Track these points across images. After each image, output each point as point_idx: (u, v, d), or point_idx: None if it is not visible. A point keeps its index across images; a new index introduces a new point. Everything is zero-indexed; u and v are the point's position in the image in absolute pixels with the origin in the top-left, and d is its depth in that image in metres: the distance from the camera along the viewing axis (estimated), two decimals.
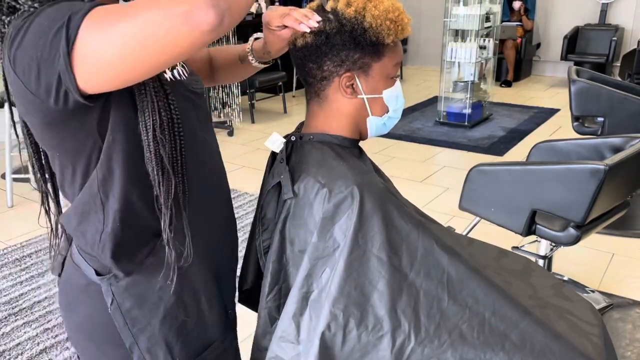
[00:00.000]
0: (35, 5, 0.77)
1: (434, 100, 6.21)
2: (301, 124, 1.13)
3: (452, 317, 0.91)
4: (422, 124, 5.51)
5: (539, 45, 7.68)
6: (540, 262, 2.30)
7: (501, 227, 2.08)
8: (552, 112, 5.87)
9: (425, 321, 0.90)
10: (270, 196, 1.05)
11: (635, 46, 5.92)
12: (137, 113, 0.82)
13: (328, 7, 1.02)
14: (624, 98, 3.02)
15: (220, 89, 5.35)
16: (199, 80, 1.01)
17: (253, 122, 5.64)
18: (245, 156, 4.62)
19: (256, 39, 1.14)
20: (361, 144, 1.13)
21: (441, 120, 5.49)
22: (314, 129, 1.07)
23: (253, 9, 6.02)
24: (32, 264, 2.90)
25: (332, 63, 0.99)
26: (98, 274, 0.93)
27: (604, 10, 7.01)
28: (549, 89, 7.08)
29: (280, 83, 5.84)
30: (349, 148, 1.07)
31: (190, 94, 0.95)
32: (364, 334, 0.90)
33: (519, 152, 4.60)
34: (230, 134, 5.22)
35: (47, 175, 0.98)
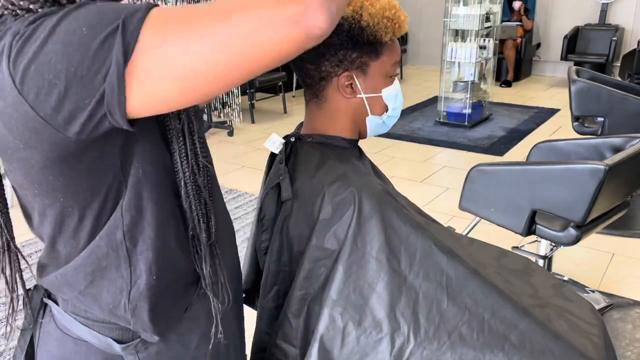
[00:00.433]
0: (37, 6, 0.61)
1: (434, 100, 6.21)
2: (300, 125, 1.13)
3: (452, 319, 0.91)
4: (422, 124, 5.50)
5: (539, 45, 7.67)
6: (540, 262, 2.30)
7: (501, 227, 2.08)
8: (552, 112, 5.87)
9: (424, 323, 0.90)
10: (270, 197, 1.05)
11: (635, 46, 5.92)
12: (166, 139, 0.71)
13: None
14: (624, 98, 3.02)
15: None
16: None
17: (253, 122, 5.64)
18: (245, 156, 4.62)
19: None
20: (361, 143, 1.12)
21: (441, 120, 5.49)
22: (313, 130, 1.07)
23: None
24: (32, 264, 2.89)
25: (330, 63, 0.99)
26: (119, 342, 0.76)
27: (604, 10, 7.01)
28: (549, 89, 7.08)
29: (280, 83, 5.84)
30: (349, 149, 1.07)
31: (197, 112, 0.80)
32: (362, 336, 0.90)
33: (519, 152, 4.59)
34: (230, 134, 5.22)
35: (8, 237, 0.75)
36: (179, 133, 0.71)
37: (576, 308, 1.07)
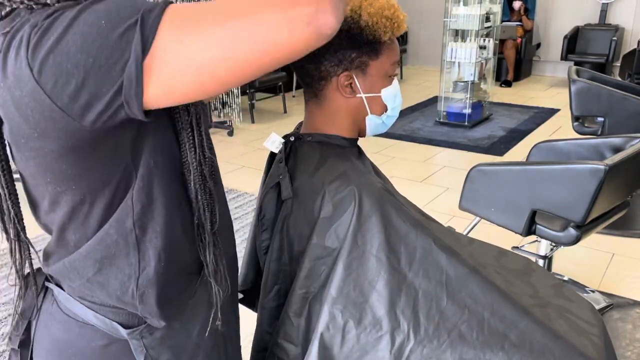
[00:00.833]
0: (54, 0, 0.62)
1: (434, 100, 6.21)
2: (300, 124, 1.13)
3: (451, 317, 0.91)
4: (422, 124, 5.50)
5: (539, 45, 7.68)
6: (540, 262, 2.30)
7: (501, 227, 2.08)
8: (552, 112, 5.87)
9: (424, 321, 0.90)
10: (270, 196, 1.05)
11: (635, 46, 5.92)
12: (175, 131, 0.74)
13: None
14: (624, 98, 3.02)
15: None
16: None
17: (253, 122, 5.64)
18: (245, 156, 4.62)
19: None
20: (361, 143, 1.13)
21: (441, 120, 5.49)
22: (312, 129, 1.07)
23: None
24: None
25: (329, 63, 0.99)
26: (125, 327, 0.78)
27: (604, 10, 7.01)
28: (549, 89, 7.08)
29: (280, 83, 5.84)
30: (348, 148, 1.07)
31: (203, 106, 0.83)
32: (362, 334, 0.90)
33: (519, 152, 4.60)
34: (230, 134, 5.22)
35: (19, 227, 0.78)
36: (188, 126, 0.74)
37: (576, 308, 1.07)
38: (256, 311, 1.10)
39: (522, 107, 6.14)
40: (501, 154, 4.59)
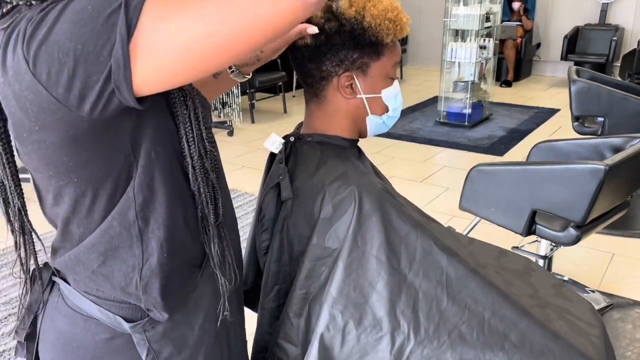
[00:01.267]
0: None
1: (434, 100, 6.21)
2: (300, 124, 1.13)
3: (452, 318, 0.91)
4: (422, 124, 5.50)
5: (539, 45, 7.67)
6: (541, 262, 2.30)
7: (501, 227, 2.08)
8: (552, 112, 5.87)
9: (424, 322, 0.90)
10: (270, 197, 1.05)
11: (635, 46, 5.92)
12: (176, 122, 0.73)
13: (326, 6, 1.01)
14: (624, 98, 3.02)
15: None
16: None
17: (253, 122, 5.64)
18: (245, 156, 4.62)
19: None
20: (361, 143, 1.13)
21: (441, 120, 5.49)
22: (312, 129, 1.07)
23: None
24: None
25: (331, 63, 0.99)
26: (128, 321, 0.79)
27: (604, 10, 7.01)
28: (549, 89, 7.08)
29: (280, 83, 5.84)
30: (348, 148, 1.07)
31: (203, 101, 0.83)
32: (363, 335, 0.90)
33: (519, 152, 4.60)
34: (230, 134, 5.22)
35: (25, 220, 0.78)
36: (187, 119, 0.73)
37: (576, 308, 1.07)
38: (257, 311, 1.10)
39: (522, 107, 6.14)
40: (501, 154, 4.59)
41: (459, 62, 5.30)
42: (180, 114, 0.73)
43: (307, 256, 0.95)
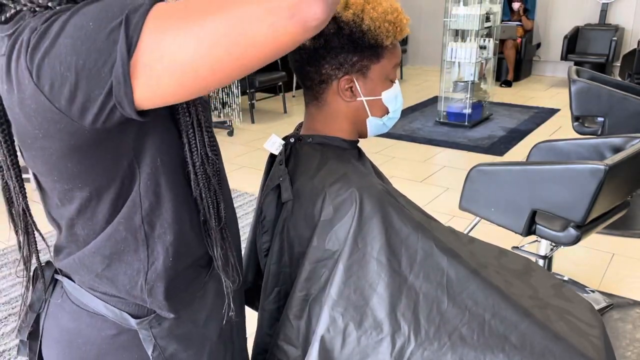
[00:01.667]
0: (55, 4, 0.63)
1: (434, 100, 6.21)
2: (300, 125, 1.13)
3: (452, 319, 0.91)
4: (422, 124, 5.50)
5: (539, 45, 7.67)
6: (541, 262, 2.30)
7: (501, 227, 2.08)
8: (552, 112, 5.87)
9: (425, 324, 0.90)
10: (270, 198, 1.05)
11: (635, 46, 5.92)
12: (179, 129, 0.74)
13: None
14: (624, 98, 3.02)
15: (220, 89, 5.35)
16: None
17: (253, 122, 5.64)
18: (245, 156, 4.62)
19: None
20: (361, 143, 1.12)
21: (441, 120, 5.49)
22: (312, 131, 1.07)
23: None
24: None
25: (330, 66, 0.99)
26: (134, 317, 0.80)
27: (604, 10, 7.01)
28: (549, 89, 7.07)
29: (280, 83, 5.84)
30: (348, 150, 1.07)
31: (204, 103, 0.83)
32: (363, 337, 0.90)
33: (519, 152, 4.59)
34: (230, 134, 5.22)
35: (30, 220, 0.80)
36: (189, 127, 0.74)
37: (576, 309, 1.07)
38: (257, 310, 1.10)
39: (522, 107, 6.13)
40: (501, 154, 4.59)
41: (459, 62, 5.30)
42: (183, 121, 0.74)
43: (307, 258, 0.95)
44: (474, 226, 2.46)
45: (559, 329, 0.97)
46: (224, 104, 5.44)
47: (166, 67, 0.58)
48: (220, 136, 5.18)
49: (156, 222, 0.75)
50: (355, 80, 1.00)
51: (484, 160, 4.13)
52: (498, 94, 6.52)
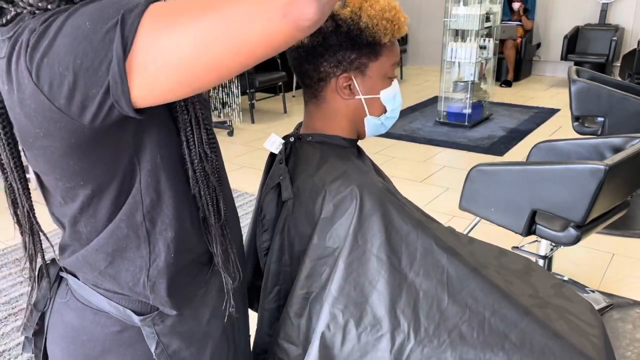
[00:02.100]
0: (54, 5, 0.64)
1: (434, 100, 6.21)
2: (300, 124, 1.13)
3: (452, 317, 0.91)
4: (422, 124, 5.50)
5: (539, 45, 7.67)
6: (541, 262, 2.30)
7: (501, 227, 2.08)
8: (552, 112, 5.87)
9: (424, 321, 0.90)
10: (270, 197, 1.05)
11: (635, 46, 5.92)
12: (177, 126, 0.75)
13: None
14: (624, 98, 3.02)
15: (220, 89, 5.35)
16: None
17: (253, 122, 5.64)
18: (245, 156, 4.62)
19: None
20: (360, 143, 1.13)
21: (441, 120, 5.49)
22: (312, 130, 1.07)
23: None
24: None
25: (328, 64, 0.99)
26: (138, 314, 0.81)
27: (604, 10, 7.01)
28: (549, 89, 7.08)
29: (280, 83, 5.84)
30: (348, 148, 1.07)
31: (204, 102, 0.83)
32: (363, 334, 0.90)
33: (519, 152, 4.59)
34: (230, 134, 5.22)
35: (34, 220, 0.81)
36: (187, 125, 0.75)
37: (576, 308, 1.07)
38: (256, 310, 1.10)
39: (522, 107, 6.14)
40: (501, 154, 4.59)
41: (459, 62, 5.30)
42: (181, 119, 0.75)
43: (308, 256, 0.95)
44: (474, 226, 2.46)
45: (559, 328, 0.97)
46: (224, 104, 5.44)
47: (162, 66, 0.59)
48: (220, 136, 5.18)
49: (157, 219, 0.75)
50: (353, 78, 1.01)
51: (484, 160, 4.13)
52: (498, 94, 6.52)
